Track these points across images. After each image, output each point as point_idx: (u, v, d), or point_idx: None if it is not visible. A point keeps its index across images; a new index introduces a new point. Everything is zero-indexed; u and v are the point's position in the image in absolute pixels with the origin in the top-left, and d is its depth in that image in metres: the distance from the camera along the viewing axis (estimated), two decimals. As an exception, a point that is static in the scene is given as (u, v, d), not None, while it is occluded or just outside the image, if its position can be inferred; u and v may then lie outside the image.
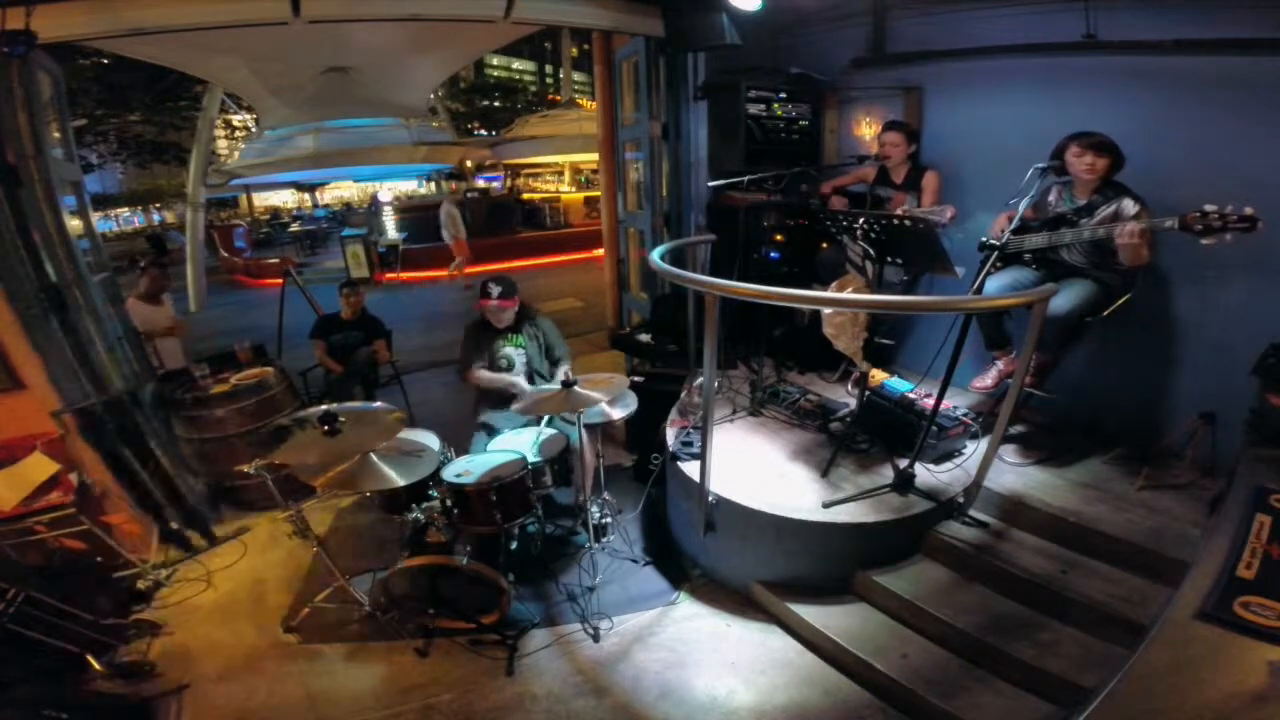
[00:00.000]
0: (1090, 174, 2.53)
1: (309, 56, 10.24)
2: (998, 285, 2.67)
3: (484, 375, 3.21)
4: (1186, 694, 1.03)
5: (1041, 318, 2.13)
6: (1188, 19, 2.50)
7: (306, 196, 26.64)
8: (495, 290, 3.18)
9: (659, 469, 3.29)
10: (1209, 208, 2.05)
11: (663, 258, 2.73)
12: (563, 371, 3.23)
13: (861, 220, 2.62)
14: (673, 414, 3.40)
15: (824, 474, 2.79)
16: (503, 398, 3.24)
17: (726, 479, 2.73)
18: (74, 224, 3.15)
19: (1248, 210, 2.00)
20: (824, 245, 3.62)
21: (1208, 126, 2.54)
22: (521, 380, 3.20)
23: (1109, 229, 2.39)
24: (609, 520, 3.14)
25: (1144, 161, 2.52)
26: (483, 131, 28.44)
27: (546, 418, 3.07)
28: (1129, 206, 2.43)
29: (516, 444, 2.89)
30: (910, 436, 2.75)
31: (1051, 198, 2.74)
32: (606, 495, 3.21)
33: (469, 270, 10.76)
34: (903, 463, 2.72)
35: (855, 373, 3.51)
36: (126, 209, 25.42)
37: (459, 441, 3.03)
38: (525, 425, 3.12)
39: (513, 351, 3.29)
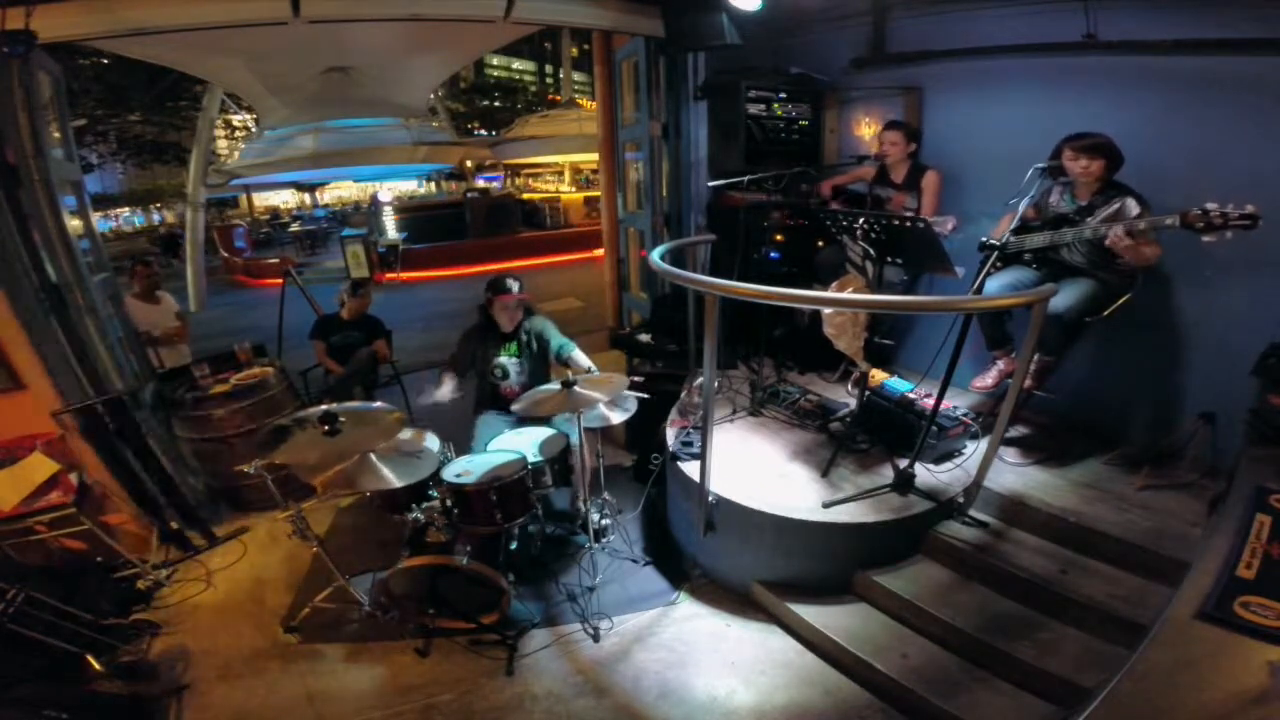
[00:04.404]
0: (1085, 176, 2.53)
1: (309, 56, 10.25)
2: (998, 285, 2.67)
3: (445, 383, 3.10)
4: (1186, 694, 1.03)
5: (1041, 318, 2.13)
6: (1188, 19, 2.50)
7: (306, 196, 26.66)
8: (515, 286, 3.14)
9: (659, 469, 3.28)
10: (1210, 205, 2.05)
11: (663, 258, 2.73)
12: (581, 361, 3.11)
13: (861, 220, 2.62)
14: (673, 414, 3.40)
15: (824, 474, 2.79)
16: (501, 399, 3.24)
17: (726, 479, 2.73)
18: (74, 224, 3.15)
19: (1249, 208, 2.01)
20: (823, 244, 3.62)
21: (1208, 126, 2.53)
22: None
23: (1110, 228, 2.39)
24: (609, 520, 3.14)
25: (1145, 161, 2.52)
26: (483, 131, 28.47)
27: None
28: (1131, 207, 2.43)
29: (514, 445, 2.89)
30: (910, 436, 2.75)
31: (1054, 198, 2.74)
32: (606, 495, 3.20)
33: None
34: (903, 463, 2.72)
35: (855, 373, 3.51)
36: (126, 209, 25.46)
37: (459, 441, 3.02)
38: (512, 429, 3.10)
39: (507, 361, 3.25)
